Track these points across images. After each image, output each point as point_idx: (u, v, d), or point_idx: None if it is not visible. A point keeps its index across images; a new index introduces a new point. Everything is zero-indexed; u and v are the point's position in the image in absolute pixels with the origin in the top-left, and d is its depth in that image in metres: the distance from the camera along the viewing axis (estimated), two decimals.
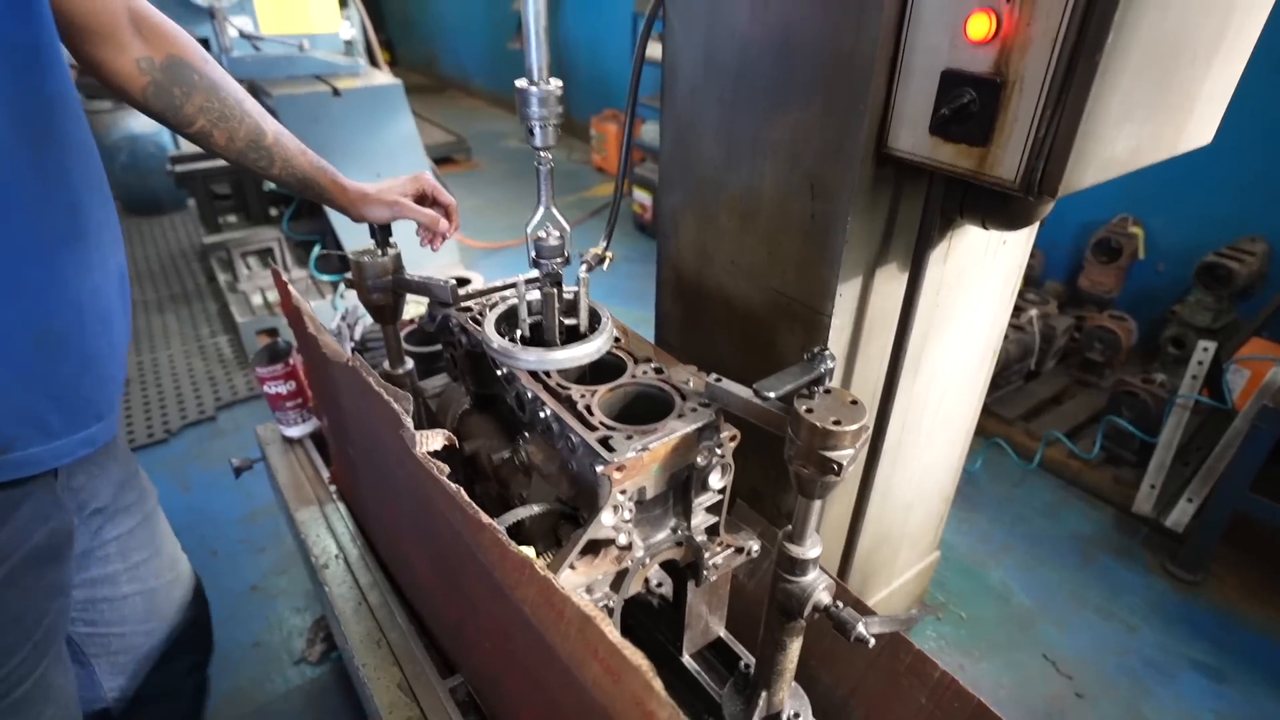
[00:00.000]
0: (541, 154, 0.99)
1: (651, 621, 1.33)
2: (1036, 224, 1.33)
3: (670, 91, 1.28)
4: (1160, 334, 2.82)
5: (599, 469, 0.85)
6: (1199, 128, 1.00)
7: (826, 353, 0.80)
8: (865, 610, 1.09)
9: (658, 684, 0.63)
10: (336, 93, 2.77)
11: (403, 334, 1.60)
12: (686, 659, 1.26)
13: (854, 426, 0.80)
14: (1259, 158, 2.62)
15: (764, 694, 1.07)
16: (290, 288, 1.24)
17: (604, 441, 0.88)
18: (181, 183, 3.00)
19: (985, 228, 1.16)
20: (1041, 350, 2.80)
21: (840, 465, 0.81)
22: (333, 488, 1.65)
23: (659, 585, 1.34)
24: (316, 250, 3.10)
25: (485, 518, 0.79)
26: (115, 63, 0.93)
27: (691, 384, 0.99)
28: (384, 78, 2.99)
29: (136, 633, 1.14)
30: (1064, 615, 2.02)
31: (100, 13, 0.88)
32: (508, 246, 4.31)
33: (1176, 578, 2.11)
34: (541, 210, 1.02)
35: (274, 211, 3.35)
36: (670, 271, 1.46)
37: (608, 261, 1.24)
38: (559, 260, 1.04)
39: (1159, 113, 0.90)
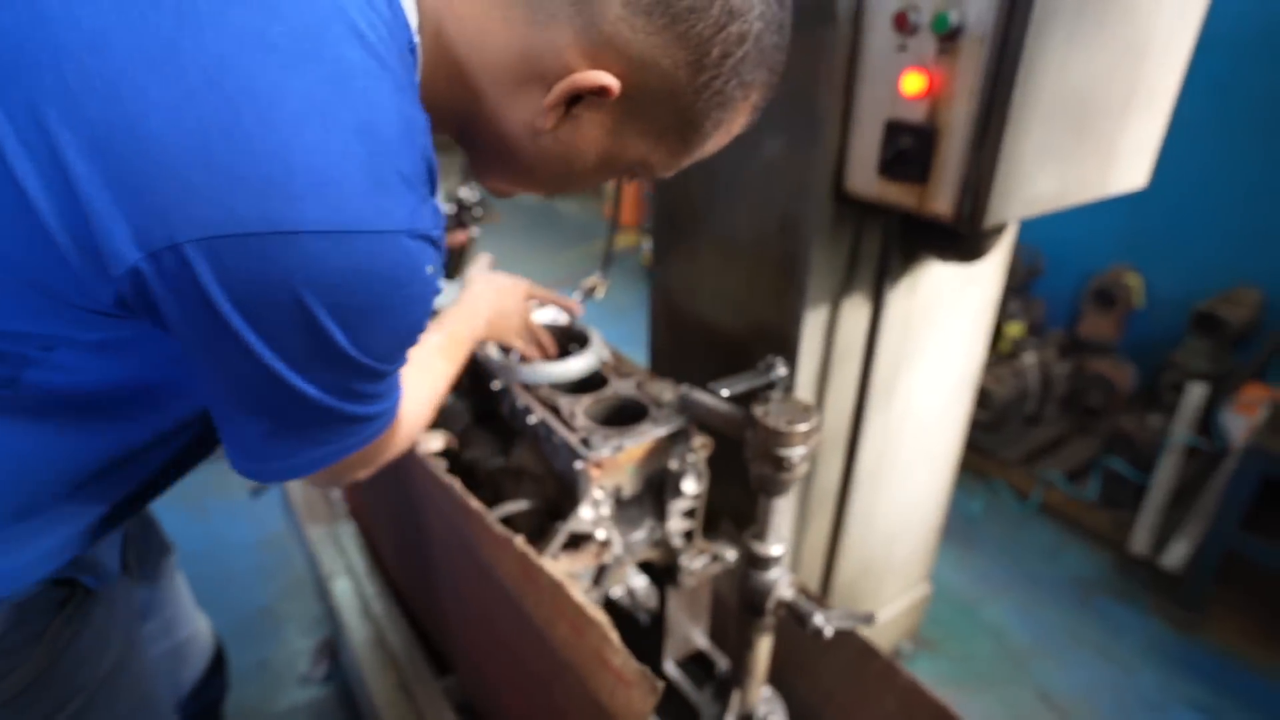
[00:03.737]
0: None
1: (637, 638, 1.40)
2: (999, 262, 1.44)
3: None
4: (1160, 380, 2.87)
5: (578, 465, 0.96)
6: (1126, 172, 1.11)
7: (777, 360, 0.91)
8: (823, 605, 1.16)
9: (614, 635, 0.72)
10: None
11: None
12: (669, 666, 1.32)
13: (804, 427, 0.89)
14: (1251, 208, 2.71)
15: (736, 693, 1.14)
16: None
17: (584, 441, 0.98)
18: None
19: (944, 260, 1.27)
20: (1041, 395, 2.86)
21: (790, 461, 0.90)
22: (345, 505, 1.76)
23: (645, 599, 1.42)
24: None
25: (474, 503, 0.90)
26: None
27: (668, 395, 1.09)
28: None
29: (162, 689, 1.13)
30: (1060, 654, 2.03)
31: None
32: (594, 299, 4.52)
33: (1175, 619, 2.12)
34: None
35: None
36: (662, 306, 1.58)
37: (600, 289, 1.37)
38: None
39: (1078, 157, 1.01)
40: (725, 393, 0.89)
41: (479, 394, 1.29)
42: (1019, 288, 3.21)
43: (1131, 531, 2.33)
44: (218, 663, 1.27)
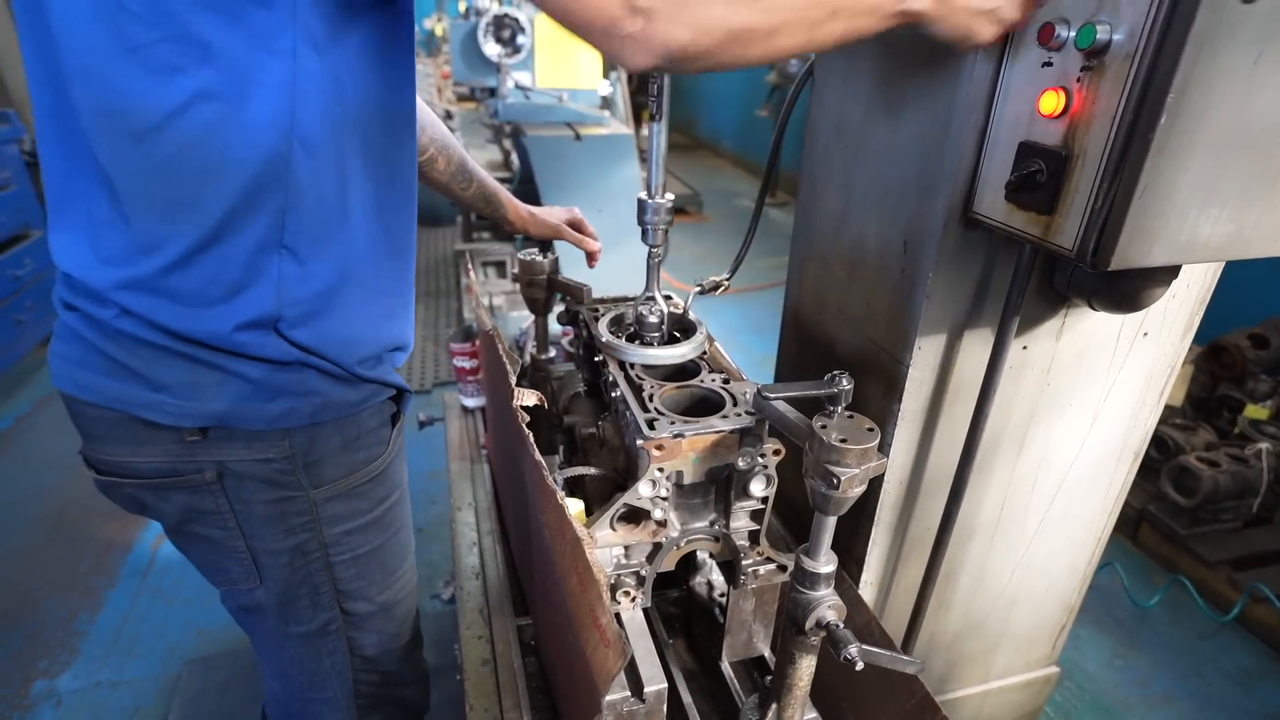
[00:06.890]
0: (652, 250, 1.23)
1: (712, 631, 1.42)
2: (1184, 317, 1.26)
3: (809, 150, 1.41)
4: None
5: (640, 442, 1.01)
6: None
7: (842, 374, 0.89)
8: (889, 646, 1.10)
9: (608, 596, 0.77)
10: (578, 137, 3.24)
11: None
12: (725, 665, 1.33)
13: (859, 447, 0.87)
14: None
15: (774, 707, 1.13)
16: (475, 287, 1.58)
17: (650, 422, 1.03)
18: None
19: (1093, 308, 1.14)
20: (1275, 492, 2.37)
21: (838, 480, 0.88)
22: (484, 451, 1.96)
23: (722, 595, 1.43)
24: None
25: (538, 455, 0.99)
26: None
27: (748, 395, 1.11)
28: (619, 128, 3.42)
29: None
30: None
31: None
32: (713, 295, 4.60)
33: None
34: (648, 295, 1.24)
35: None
36: (791, 313, 1.57)
37: (721, 289, 1.41)
38: (656, 335, 1.24)
39: (1269, 201, 0.86)
40: (770, 396, 0.89)
41: (590, 366, 1.39)
42: (1274, 365, 2.69)
43: None
44: None
